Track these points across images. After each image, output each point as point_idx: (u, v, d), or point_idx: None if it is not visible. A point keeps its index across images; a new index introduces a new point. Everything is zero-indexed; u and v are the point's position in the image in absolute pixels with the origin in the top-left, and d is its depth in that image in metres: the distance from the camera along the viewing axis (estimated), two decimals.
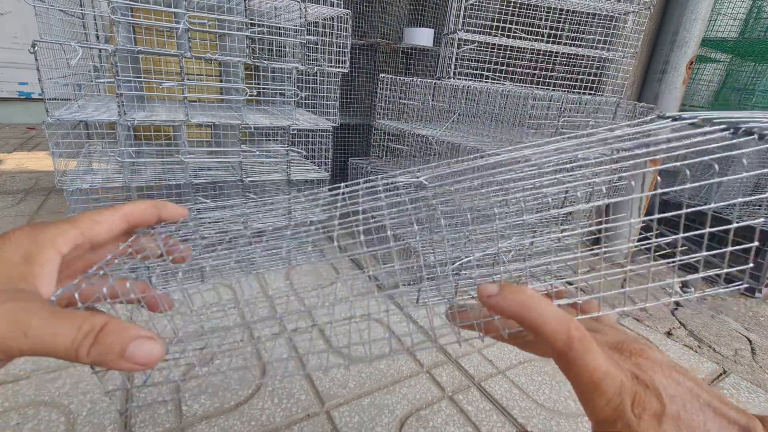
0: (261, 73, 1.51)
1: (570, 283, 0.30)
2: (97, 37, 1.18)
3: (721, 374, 1.06)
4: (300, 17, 1.13)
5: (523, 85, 1.34)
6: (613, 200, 0.28)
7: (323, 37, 1.23)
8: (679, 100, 1.54)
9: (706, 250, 0.25)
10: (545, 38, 1.28)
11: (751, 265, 0.28)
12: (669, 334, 1.21)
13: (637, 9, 1.31)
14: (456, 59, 1.24)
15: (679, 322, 1.28)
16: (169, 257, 0.31)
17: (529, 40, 1.26)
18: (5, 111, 3.37)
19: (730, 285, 0.25)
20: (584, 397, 0.22)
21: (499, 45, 1.27)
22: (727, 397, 0.97)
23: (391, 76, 1.60)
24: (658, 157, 0.26)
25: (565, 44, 1.31)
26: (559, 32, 1.29)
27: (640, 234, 1.79)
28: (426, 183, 0.30)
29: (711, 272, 0.26)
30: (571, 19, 1.36)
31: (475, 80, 1.29)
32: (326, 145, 1.36)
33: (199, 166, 1.27)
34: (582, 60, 1.37)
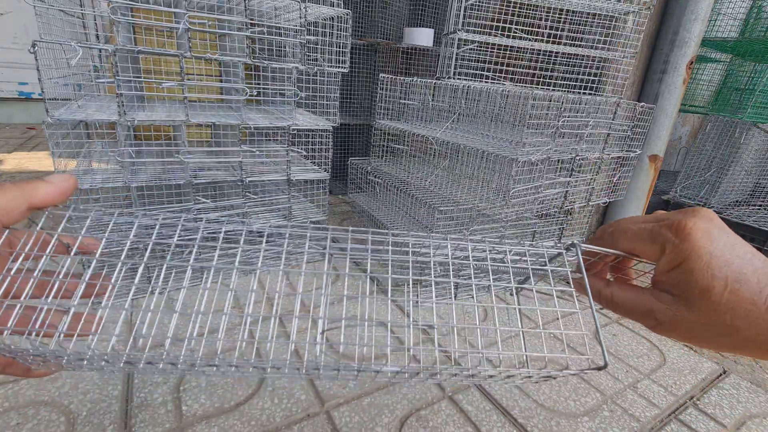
0: (261, 73, 1.51)
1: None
2: (97, 37, 1.18)
3: (721, 374, 1.06)
4: (300, 17, 1.13)
5: (523, 85, 1.34)
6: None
7: (323, 37, 1.23)
8: (679, 100, 1.54)
9: None
10: (545, 38, 1.28)
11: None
12: None
13: (637, 9, 1.31)
14: (456, 59, 1.24)
15: None
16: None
17: (529, 40, 1.26)
18: (5, 111, 3.37)
19: None
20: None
21: (499, 45, 1.27)
22: (726, 393, 0.97)
23: (391, 76, 1.60)
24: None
25: (565, 44, 1.31)
26: (559, 32, 1.29)
27: None
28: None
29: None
30: (571, 19, 1.36)
31: (475, 80, 1.29)
32: (326, 145, 1.36)
33: (199, 166, 1.27)
34: (582, 60, 1.37)
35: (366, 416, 0.82)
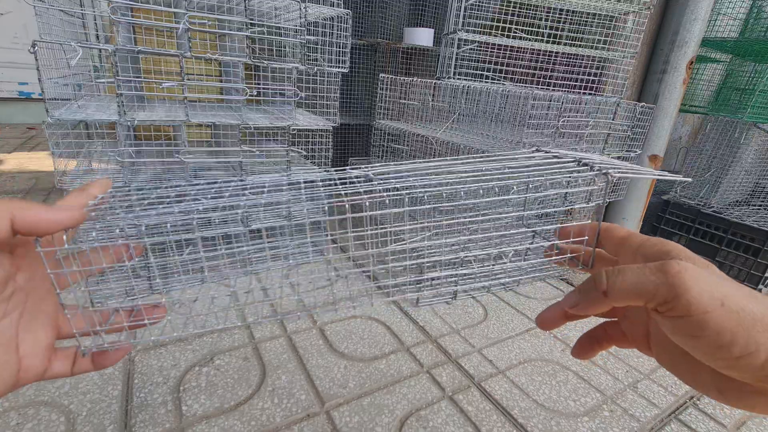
0: (261, 73, 1.51)
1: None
2: (97, 37, 1.18)
3: None
4: (300, 17, 1.13)
5: (523, 85, 1.34)
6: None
7: (323, 37, 1.23)
8: (679, 100, 1.54)
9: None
10: (545, 38, 1.28)
11: None
12: None
13: (637, 9, 1.31)
14: (456, 59, 1.24)
15: None
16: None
17: (529, 40, 1.26)
18: (5, 111, 3.36)
19: None
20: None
21: (499, 45, 1.27)
22: None
23: (391, 76, 1.60)
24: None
25: (565, 44, 1.31)
26: (559, 32, 1.29)
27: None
28: (372, 176, 0.33)
29: None
30: (571, 19, 1.36)
31: (475, 80, 1.29)
32: (326, 145, 1.36)
33: (199, 165, 1.27)
34: (582, 60, 1.37)
35: (366, 416, 0.82)
